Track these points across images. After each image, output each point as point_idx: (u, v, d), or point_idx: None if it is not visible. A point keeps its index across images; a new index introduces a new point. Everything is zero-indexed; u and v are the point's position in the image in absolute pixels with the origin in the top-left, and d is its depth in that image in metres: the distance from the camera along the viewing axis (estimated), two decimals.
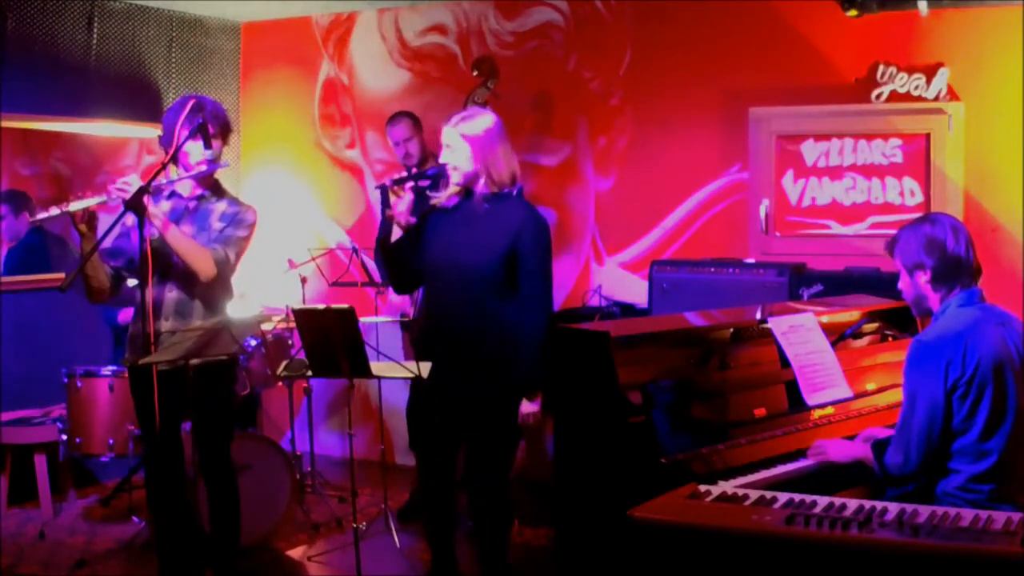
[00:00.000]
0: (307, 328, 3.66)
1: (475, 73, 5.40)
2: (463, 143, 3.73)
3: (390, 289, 4.64)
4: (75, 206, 3.67)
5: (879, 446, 3.16)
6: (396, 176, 3.82)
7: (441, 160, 3.79)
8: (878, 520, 2.38)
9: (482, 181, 3.74)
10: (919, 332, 3.21)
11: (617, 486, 3.14)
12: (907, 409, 3.06)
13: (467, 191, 3.79)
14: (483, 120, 3.78)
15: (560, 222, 5.84)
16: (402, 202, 3.75)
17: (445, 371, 3.73)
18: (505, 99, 5.43)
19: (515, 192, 3.83)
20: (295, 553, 4.86)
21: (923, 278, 3.10)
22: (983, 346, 2.98)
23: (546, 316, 3.75)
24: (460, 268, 3.73)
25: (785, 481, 3.17)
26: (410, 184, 3.78)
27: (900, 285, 3.18)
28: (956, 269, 3.07)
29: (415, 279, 3.97)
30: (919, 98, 4.82)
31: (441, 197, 3.82)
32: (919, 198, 4.71)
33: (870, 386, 3.72)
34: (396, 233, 3.82)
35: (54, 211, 3.71)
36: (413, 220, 3.79)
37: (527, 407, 3.74)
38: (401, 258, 3.86)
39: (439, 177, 3.90)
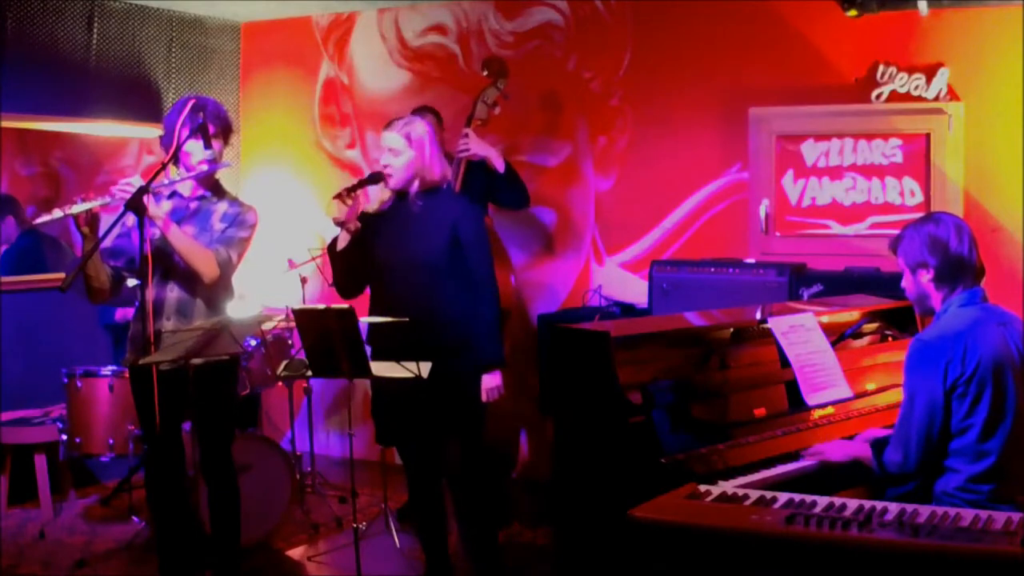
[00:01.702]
0: (307, 328, 3.66)
1: (485, 73, 5.36)
2: (408, 147, 3.92)
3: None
4: (77, 209, 3.67)
5: (878, 444, 3.16)
6: (346, 186, 3.96)
7: (383, 162, 3.97)
8: (878, 520, 2.38)
9: (415, 184, 3.94)
10: (919, 332, 3.21)
11: (617, 486, 3.13)
12: (906, 408, 3.06)
13: (399, 194, 3.97)
14: (422, 125, 3.99)
15: (560, 222, 5.85)
16: (350, 208, 3.92)
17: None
18: (508, 99, 5.43)
19: (444, 187, 4.03)
20: (295, 553, 4.86)
21: (926, 277, 3.10)
22: (983, 346, 2.98)
23: (495, 296, 3.99)
24: (407, 264, 3.92)
25: (785, 481, 3.17)
26: (360, 192, 3.95)
27: (903, 284, 3.19)
28: (959, 269, 3.07)
29: (360, 283, 4.11)
30: (919, 98, 4.82)
31: (372, 205, 4.02)
32: (919, 198, 4.71)
33: (870, 386, 3.72)
34: (343, 236, 3.98)
35: (57, 214, 3.71)
36: (359, 224, 3.96)
37: (489, 381, 3.92)
38: (349, 263, 4.01)
39: (380, 176, 4.02)
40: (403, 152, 3.92)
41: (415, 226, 3.93)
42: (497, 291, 4.00)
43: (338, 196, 3.94)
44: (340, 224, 3.94)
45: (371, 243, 3.99)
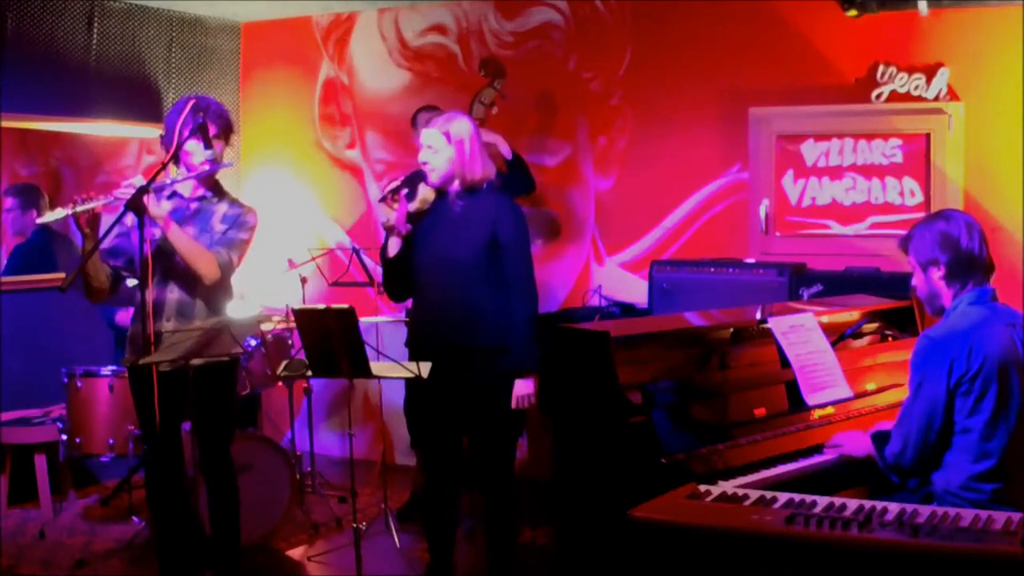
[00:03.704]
0: (307, 328, 3.66)
1: (482, 73, 5.37)
2: (447, 145, 3.85)
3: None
4: (81, 208, 3.66)
5: (879, 437, 3.18)
6: (390, 187, 3.90)
7: (421, 159, 3.91)
8: (878, 520, 2.38)
9: (456, 182, 3.88)
10: (920, 332, 3.21)
11: (617, 486, 3.14)
12: (909, 403, 3.08)
13: (440, 192, 3.92)
14: (465, 123, 3.91)
15: (560, 222, 5.85)
16: (398, 212, 3.86)
17: (442, 364, 3.77)
18: (504, 99, 5.42)
19: (485, 186, 3.95)
20: (295, 553, 4.86)
21: (937, 274, 3.10)
22: (989, 345, 2.97)
23: (533, 298, 3.90)
24: (446, 264, 3.86)
25: (785, 481, 3.17)
26: (405, 191, 3.88)
27: (914, 283, 3.18)
28: (969, 265, 3.07)
29: (410, 286, 4.05)
30: (919, 98, 4.82)
31: (415, 204, 3.94)
32: (919, 198, 4.71)
33: (870, 386, 3.72)
34: (395, 242, 3.91)
35: (60, 212, 3.71)
36: (410, 227, 3.89)
37: (521, 388, 3.85)
38: (401, 268, 3.96)
39: (422, 175, 3.96)
40: (442, 150, 3.85)
41: (455, 225, 3.87)
42: (535, 294, 3.91)
43: (383, 199, 3.87)
44: (390, 230, 3.88)
45: (411, 242, 3.94)
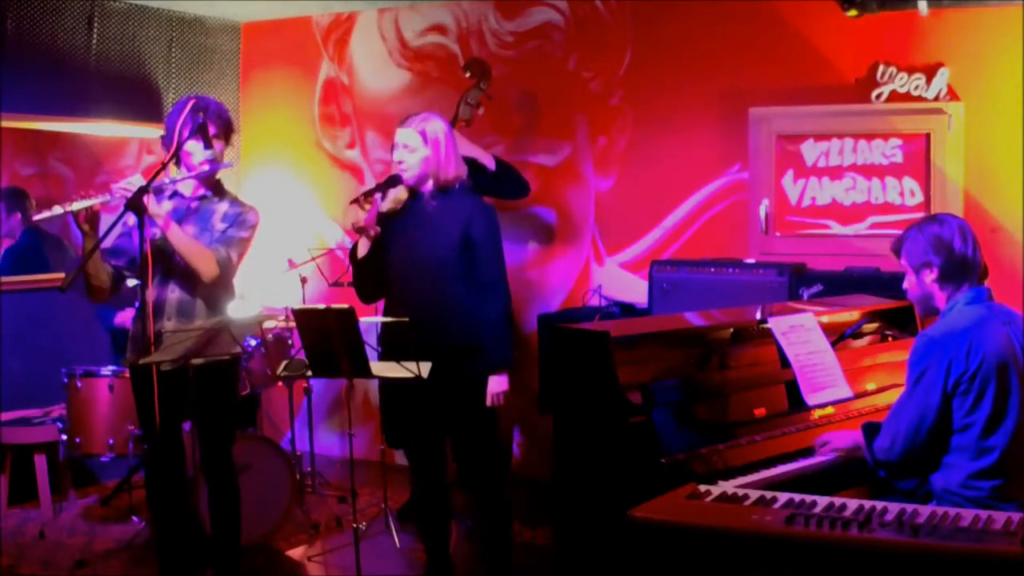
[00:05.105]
0: (307, 328, 3.66)
1: (467, 75, 5.37)
2: (423, 145, 3.88)
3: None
4: (77, 206, 3.68)
5: (870, 428, 3.19)
6: (364, 191, 3.93)
7: (396, 158, 3.92)
8: (878, 520, 2.38)
9: (430, 182, 3.91)
10: (919, 331, 3.21)
11: (617, 486, 3.14)
12: (903, 400, 3.09)
13: (413, 192, 3.94)
14: (439, 123, 3.94)
15: (560, 222, 5.85)
16: (368, 213, 3.87)
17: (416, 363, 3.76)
18: (504, 99, 5.42)
19: (458, 186, 3.98)
20: (295, 553, 4.86)
21: (930, 277, 3.11)
22: (987, 344, 2.98)
23: (505, 297, 3.94)
24: (419, 264, 3.89)
25: (785, 481, 3.17)
26: (378, 195, 3.90)
27: (906, 285, 3.19)
28: (963, 268, 3.08)
29: (381, 288, 4.07)
30: (919, 98, 4.82)
31: (387, 204, 3.95)
32: (919, 198, 4.71)
33: (870, 386, 3.72)
34: (364, 243, 3.92)
35: (57, 210, 3.72)
36: (379, 229, 3.91)
37: (495, 385, 3.87)
38: (370, 269, 3.97)
39: (398, 179, 3.96)
40: (418, 149, 3.87)
41: (428, 225, 3.89)
42: (507, 293, 3.95)
43: (355, 201, 3.88)
44: (360, 230, 3.89)
45: (384, 242, 3.96)
